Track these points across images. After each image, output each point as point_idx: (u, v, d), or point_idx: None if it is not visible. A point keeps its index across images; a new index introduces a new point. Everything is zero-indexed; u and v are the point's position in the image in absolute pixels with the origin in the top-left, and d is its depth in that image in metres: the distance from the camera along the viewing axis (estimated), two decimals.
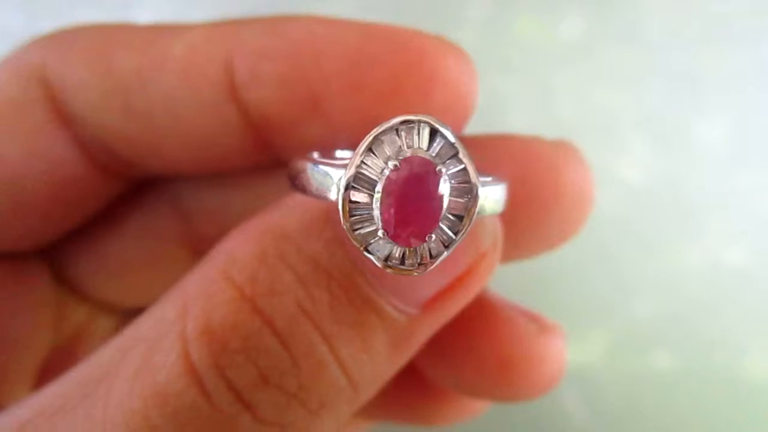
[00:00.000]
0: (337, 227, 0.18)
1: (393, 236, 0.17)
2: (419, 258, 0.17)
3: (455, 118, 0.23)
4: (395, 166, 0.17)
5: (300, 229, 0.19)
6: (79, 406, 0.19)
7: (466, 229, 0.17)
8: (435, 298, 0.20)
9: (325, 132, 0.23)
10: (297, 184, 0.19)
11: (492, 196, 0.18)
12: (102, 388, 0.18)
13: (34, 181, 0.25)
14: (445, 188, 0.17)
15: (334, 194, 0.17)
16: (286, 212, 0.20)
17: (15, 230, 0.26)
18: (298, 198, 0.20)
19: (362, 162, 0.17)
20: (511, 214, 0.22)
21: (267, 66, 0.23)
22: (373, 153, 0.17)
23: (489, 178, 0.19)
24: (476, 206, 0.17)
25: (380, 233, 0.17)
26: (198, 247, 0.21)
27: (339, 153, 0.23)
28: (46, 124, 0.24)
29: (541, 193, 0.23)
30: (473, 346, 0.24)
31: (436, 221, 0.17)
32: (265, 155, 0.25)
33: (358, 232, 0.17)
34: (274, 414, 0.18)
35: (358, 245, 0.17)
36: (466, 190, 0.17)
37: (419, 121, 0.17)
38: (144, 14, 0.43)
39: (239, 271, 0.19)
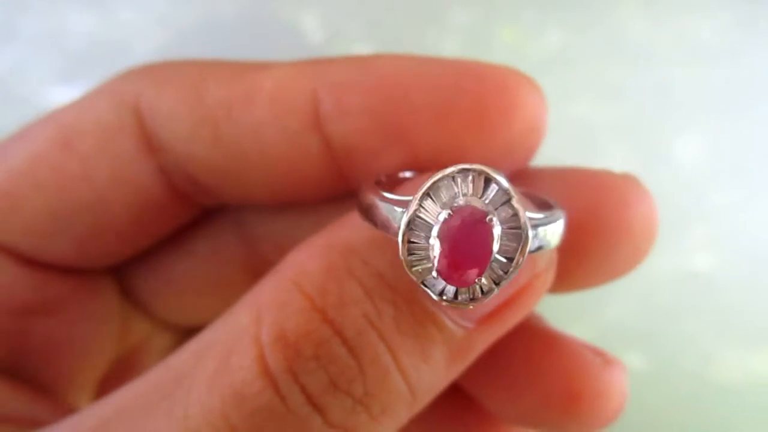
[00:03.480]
0: None
1: (445, 278, 0.18)
2: (471, 294, 0.18)
3: (529, 143, 0.24)
4: (449, 214, 0.18)
5: (366, 245, 0.21)
6: (160, 405, 0.20)
7: (515, 270, 0.18)
8: (491, 314, 0.21)
9: (405, 161, 0.24)
10: (364, 215, 0.21)
11: (546, 235, 0.20)
12: (181, 388, 0.20)
13: (117, 204, 0.26)
14: (496, 232, 0.18)
15: (395, 233, 0.19)
16: (353, 228, 0.21)
17: (93, 249, 0.27)
18: None
19: (420, 206, 0.18)
20: (577, 246, 0.23)
21: (353, 98, 0.24)
22: (431, 198, 0.18)
23: (542, 215, 0.20)
24: (526, 250, 0.18)
25: (434, 273, 0.18)
26: (261, 273, 0.22)
27: (402, 174, 0.24)
28: (134, 151, 0.25)
29: (609, 226, 0.24)
30: (541, 379, 0.25)
31: (486, 266, 0.18)
32: (340, 187, 0.26)
33: (415, 268, 0.19)
34: (342, 417, 0.20)
35: (416, 280, 0.19)
36: (517, 235, 0.18)
37: (473, 170, 0.18)
38: (125, 11, 0.43)
39: (310, 283, 0.20)
